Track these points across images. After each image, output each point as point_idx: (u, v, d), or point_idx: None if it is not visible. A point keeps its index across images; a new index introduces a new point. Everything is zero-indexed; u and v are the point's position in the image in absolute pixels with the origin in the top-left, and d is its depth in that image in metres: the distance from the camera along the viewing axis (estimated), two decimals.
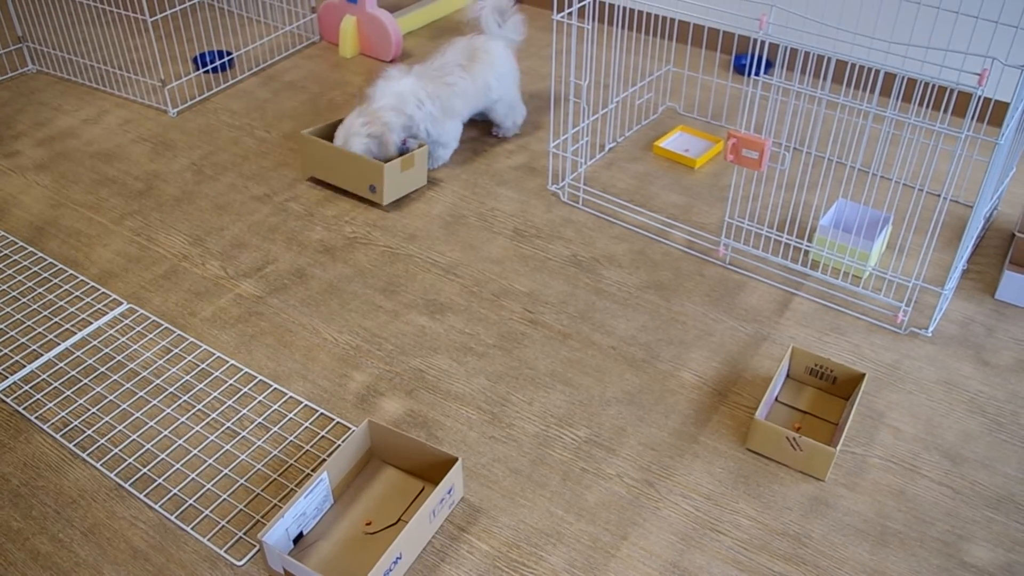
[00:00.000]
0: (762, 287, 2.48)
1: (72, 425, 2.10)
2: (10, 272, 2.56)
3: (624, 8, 3.77)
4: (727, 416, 2.10)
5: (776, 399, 2.13)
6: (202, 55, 3.65)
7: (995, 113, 3.12)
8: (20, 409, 2.14)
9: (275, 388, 2.18)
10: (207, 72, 3.60)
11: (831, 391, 2.14)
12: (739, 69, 3.52)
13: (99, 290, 2.49)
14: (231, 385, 2.19)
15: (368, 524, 1.86)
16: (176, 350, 2.30)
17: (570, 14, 2.52)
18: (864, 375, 2.06)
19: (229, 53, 3.68)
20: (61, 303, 2.45)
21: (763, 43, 2.24)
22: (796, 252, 2.58)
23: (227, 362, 2.26)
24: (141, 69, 3.59)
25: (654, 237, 2.66)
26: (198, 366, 2.25)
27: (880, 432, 2.06)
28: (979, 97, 2.03)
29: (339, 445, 2.01)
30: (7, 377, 2.22)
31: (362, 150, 2.79)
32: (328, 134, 2.93)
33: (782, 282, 2.49)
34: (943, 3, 2.98)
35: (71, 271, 2.56)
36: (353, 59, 3.74)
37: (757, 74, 3.49)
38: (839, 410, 2.10)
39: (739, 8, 3.42)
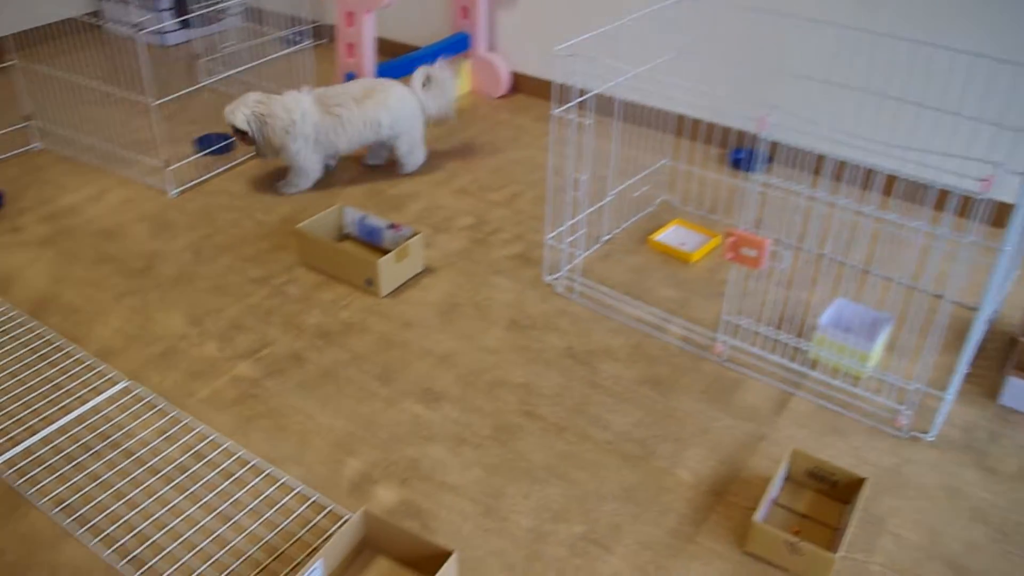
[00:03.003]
0: (760, 385, 2.49)
1: (68, 502, 2.08)
2: (12, 346, 2.56)
3: (623, 102, 3.84)
4: (724, 516, 2.09)
5: (775, 501, 2.12)
6: (205, 137, 3.70)
7: (998, 214, 3.16)
8: (17, 484, 2.12)
9: (270, 472, 2.17)
10: (208, 154, 3.64)
11: (831, 495, 2.14)
12: (735, 163, 3.58)
13: (98, 367, 2.49)
14: (226, 467, 2.18)
15: None
16: (173, 430, 2.28)
17: (569, 109, 2.57)
18: (865, 480, 2.05)
19: (230, 136, 3.73)
20: (61, 379, 2.44)
21: (765, 141, 2.28)
22: (794, 351, 2.59)
23: (223, 444, 2.24)
24: (144, 149, 3.63)
25: (650, 331, 2.68)
26: (194, 447, 2.23)
27: (881, 538, 2.05)
28: (984, 202, 2.07)
29: (333, 533, 1.99)
30: (6, 451, 2.21)
31: (242, 120, 3.11)
32: (325, 225, 2.98)
33: (780, 380, 2.50)
34: (945, 105, 3.05)
35: (71, 347, 2.56)
36: None
37: (753, 169, 3.55)
38: (838, 514, 2.10)
39: (738, 106, 3.50)
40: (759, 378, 2.51)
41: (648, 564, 1.97)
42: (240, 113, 3.15)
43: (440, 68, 3.40)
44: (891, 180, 3.31)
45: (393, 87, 3.30)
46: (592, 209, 3.22)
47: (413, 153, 3.47)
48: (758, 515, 1.97)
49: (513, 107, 4.16)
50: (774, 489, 2.08)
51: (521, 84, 4.28)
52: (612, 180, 3.33)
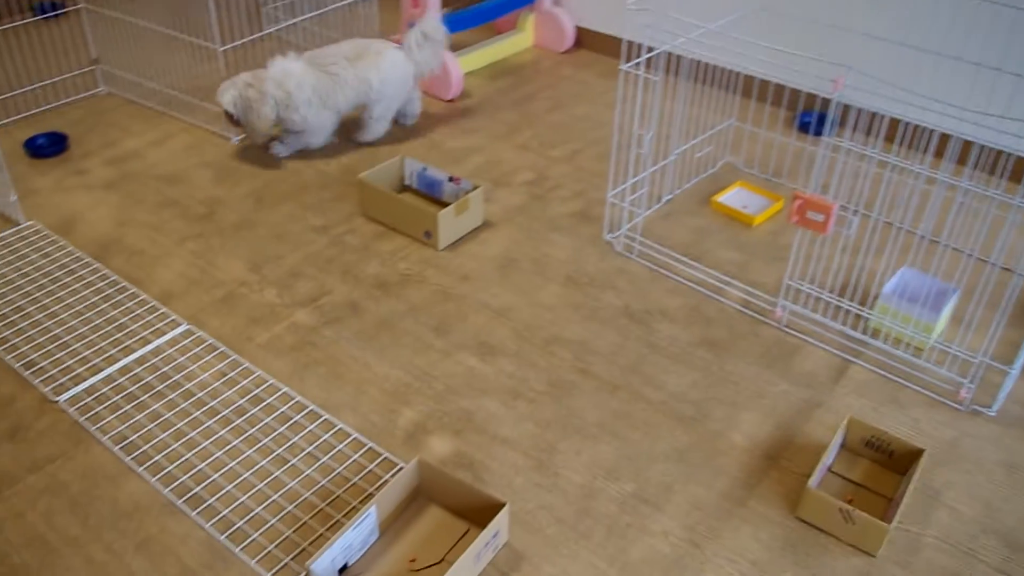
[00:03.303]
0: (818, 352, 2.46)
1: (130, 440, 2.12)
2: (76, 287, 2.60)
3: (691, 60, 3.79)
4: (777, 482, 2.08)
5: (829, 469, 2.10)
6: None
7: None
8: (82, 420, 2.17)
9: (325, 418, 2.19)
10: None
11: (886, 465, 2.11)
12: (803, 127, 3.52)
13: (160, 309, 2.52)
14: (283, 412, 2.21)
15: (412, 561, 1.85)
16: (232, 373, 2.32)
17: (638, 64, 2.54)
18: (923, 451, 2.02)
19: None
20: (123, 319, 2.49)
21: (838, 103, 2.23)
22: (856, 319, 2.55)
23: (280, 389, 2.27)
24: (207, 95, 3.65)
25: (709, 293, 2.66)
26: (252, 391, 2.27)
27: (936, 511, 2.02)
28: None
29: (388, 480, 2.01)
30: (70, 388, 2.26)
31: (228, 101, 3.06)
32: (386, 176, 2.98)
33: (839, 348, 2.47)
34: None
35: (134, 289, 2.60)
36: None
37: (820, 133, 3.48)
38: (893, 485, 2.07)
39: (811, 66, 3.43)
40: (818, 345, 2.48)
41: (698, 525, 1.97)
42: (228, 95, 3.09)
43: (434, 24, 3.29)
44: (966, 147, 3.23)
45: (387, 50, 3.21)
46: (655, 168, 3.19)
47: (381, 121, 3.35)
48: (812, 482, 1.96)
49: (576, 62, 4.11)
50: (829, 456, 2.06)
51: (585, 39, 4.23)
52: (676, 139, 3.29)
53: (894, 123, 3.33)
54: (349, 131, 3.42)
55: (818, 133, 3.49)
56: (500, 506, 1.86)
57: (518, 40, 4.22)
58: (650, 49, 2.59)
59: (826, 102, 3.52)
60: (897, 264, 2.79)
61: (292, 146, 3.28)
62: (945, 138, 3.23)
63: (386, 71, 3.20)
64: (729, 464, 2.12)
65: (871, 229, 2.92)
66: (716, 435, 2.19)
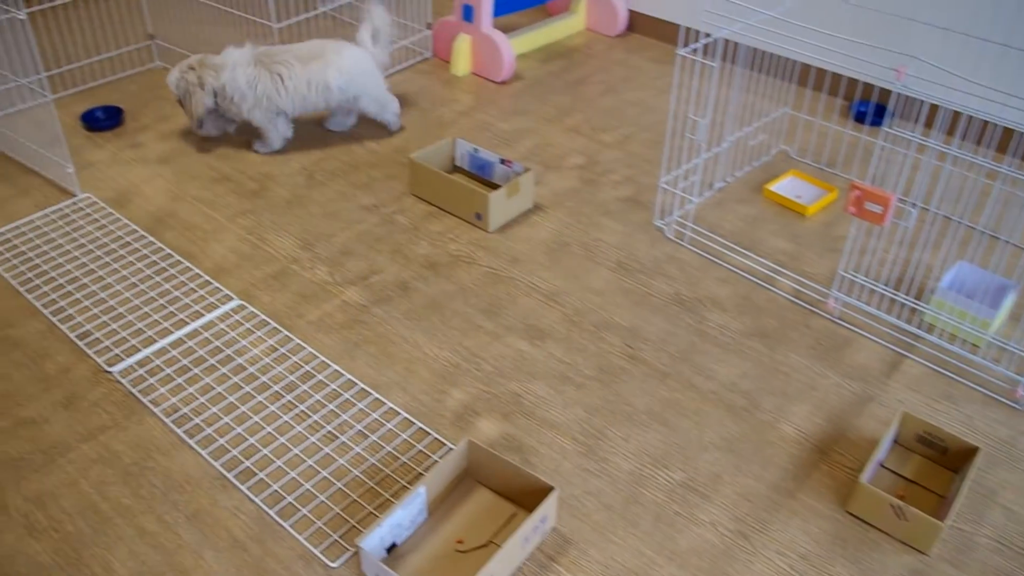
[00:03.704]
0: (871, 345, 2.42)
1: (182, 412, 2.14)
2: (131, 259, 2.63)
3: (747, 47, 3.74)
4: (827, 475, 2.06)
5: (881, 463, 2.08)
6: None
7: None
8: (135, 391, 2.19)
9: (375, 397, 2.20)
10: None
11: (940, 461, 2.08)
12: (859, 117, 3.47)
13: (212, 284, 2.54)
14: (333, 389, 2.22)
15: (459, 542, 1.86)
16: (282, 349, 2.33)
17: (696, 50, 2.51)
18: (979, 449, 1.99)
19: None
20: (176, 293, 2.51)
21: (900, 92, 2.19)
22: (911, 312, 2.52)
23: (330, 366, 2.28)
24: None
25: (760, 283, 2.63)
26: (302, 367, 2.28)
27: (991, 511, 1.99)
28: None
29: (436, 461, 2.02)
30: (123, 359, 2.29)
31: (172, 82, 3.04)
32: (437, 156, 2.97)
33: (892, 342, 2.43)
34: None
35: (187, 263, 2.62)
36: (464, 78, 3.77)
37: (876, 123, 3.43)
38: (946, 482, 2.04)
39: (871, 54, 3.38)
40: (871, 338, 2.45)
41: (747, 516, 1.95)
42: (172, 76, 3.05)
43: (381, 16, 3.18)
44: None
45: (344, 49, 3.10)
46: (708, 155, 3.16)
47: (386, 109, 3.26)
48: (864, 476, 1.93)
49: (628, 47, 4.08)
50: (881, 451, 2.04)
51: (637, 23, 4.19)
52: (730, 127, 3.25)
53: (955, 115, 3.27)
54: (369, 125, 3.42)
55: (874, 123, 3.44)
56: (548, 490, 1.85)
57: (570, 23, 4.19)
58: (707, 35, 2.56)
59: (884, 92, 3.46)
60: (954, 258, 2.74)
61: (262, 144, 3.20)
62: (1008, 132, 3.16)
63: (348, 69, 3.07)
64: (779, 455, 2.10)
65: (929, 222, 2.88)
66: (766, 426, 2.17)
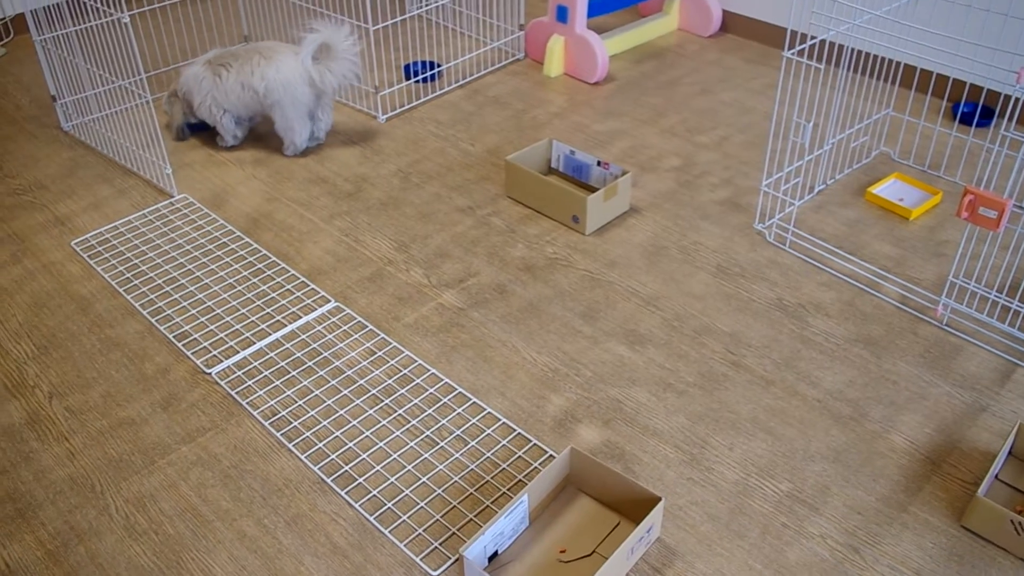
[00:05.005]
0: (982, 353, 2.33)
1: (280, 415, 2.15)
2: (228, 260, 2.65)
3: (851, 49, 3.65)
4: (940, 488, 1.98)
5: (996, 476, 1.99)
6: (411, 64, 3.72)
7: None
8: (233, 393, 2.21)
9: (474, 402, 2.18)
10: (417, 82, 3.67)
11: None
12: (964, 119, 3.35)
13: (309, 286, 2.55)
14: (431, 394, 2.20)
15: (562, 552, 1.83)
16: (380, 353, 2.33)
17: (801, 52, 2.44)
18: None
19: (438, 65, 3.74)
20: (273, 295, 2.52)
21: (1017, 99, 2.11)
22: None
23: (428, 370, 2.27)
24: None
25: (864, 288, 2.55)
26: (400, 371, 2.27)
27: None
28: None
29: (539, 468, 1.99)
30: (221, 361, 2.30)
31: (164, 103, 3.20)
32: (533, 158, 2.95)
33: (1005, 350, 2.34)
34: None
35: (283, 264, 2.63)
36: (557, 79, 3.74)
37: (982, 124, 3.31)
38: None
39: (988, 57, 3.27)
40: (982, 346, 2.35)
41: (858, 529, 1.89)
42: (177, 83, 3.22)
43: (337, 33, 2.99)
44: None
45: (278, 55, 3.01)
46: (809, 157, 3.08)
47: (288, 132, 3.12)
48: (982, 490, 1.86)
49: (722, 47, 4.01)
50: (997, 464, 1.95)
51: (731, 23, 4.12)
52: (831, 128, 3.17)
53: None
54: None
55: (980, 125, 3.32)
56: (655, 500, 1.81)
57: (663, 23, 4.14)
58: (813, 37, 2.49)
59: (991, 94, 3.34)
60: None
61: (221, 138, 3.26)
62: None
63: (271, 77, 3.00)
64: (889, 467, 2.03)
65: None
66: (875, 436, 2.10)
